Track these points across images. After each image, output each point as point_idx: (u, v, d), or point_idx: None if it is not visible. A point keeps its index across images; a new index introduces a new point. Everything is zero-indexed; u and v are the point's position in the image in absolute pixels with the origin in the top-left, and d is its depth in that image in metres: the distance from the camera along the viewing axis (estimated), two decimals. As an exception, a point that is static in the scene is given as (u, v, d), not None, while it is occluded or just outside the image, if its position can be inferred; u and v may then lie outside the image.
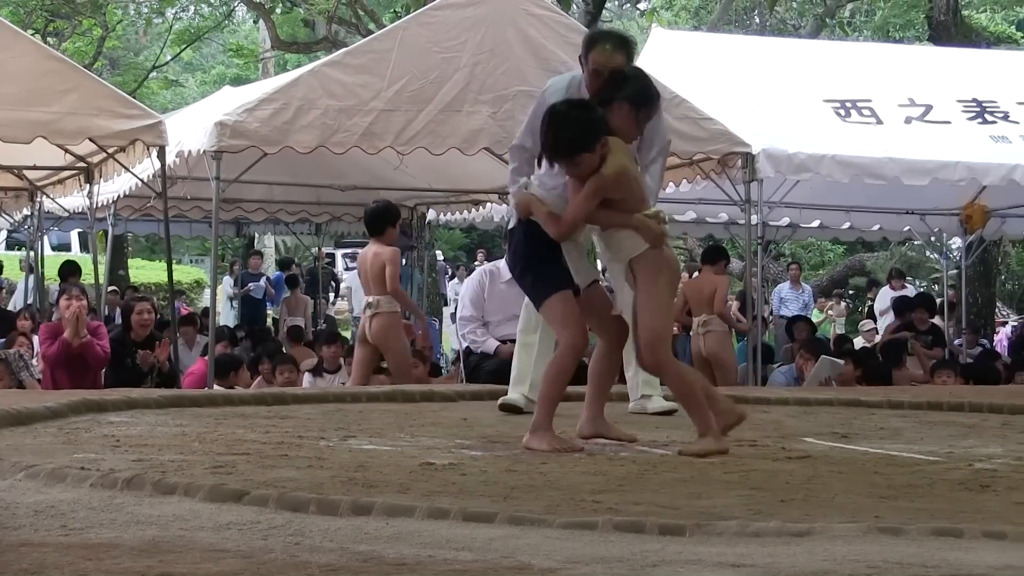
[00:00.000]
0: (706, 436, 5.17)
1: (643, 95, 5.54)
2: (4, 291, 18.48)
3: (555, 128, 5.29)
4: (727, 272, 12.44)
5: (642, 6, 28.87)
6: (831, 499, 4.12)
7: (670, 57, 13.24)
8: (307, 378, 10.50)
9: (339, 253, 32.62)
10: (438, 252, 32.14)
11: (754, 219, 11.53)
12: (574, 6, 20.06)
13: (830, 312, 22.36)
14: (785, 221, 15.55)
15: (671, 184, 11.87)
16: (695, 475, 4.58)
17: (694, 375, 5.59)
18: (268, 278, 21.83)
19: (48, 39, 25.48)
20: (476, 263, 28.40)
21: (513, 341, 8.70)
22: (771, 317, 18.29)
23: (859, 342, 16.79)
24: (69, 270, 14.44)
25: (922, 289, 23.09)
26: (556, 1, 18.32)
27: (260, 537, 3.17)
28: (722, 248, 13.17)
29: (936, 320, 14.60)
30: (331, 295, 26.06)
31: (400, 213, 10.83)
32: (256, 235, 27.06)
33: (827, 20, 27.37)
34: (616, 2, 34.21)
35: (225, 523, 3.31)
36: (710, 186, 11.60)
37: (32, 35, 16.81)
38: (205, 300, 24.66)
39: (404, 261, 17.92)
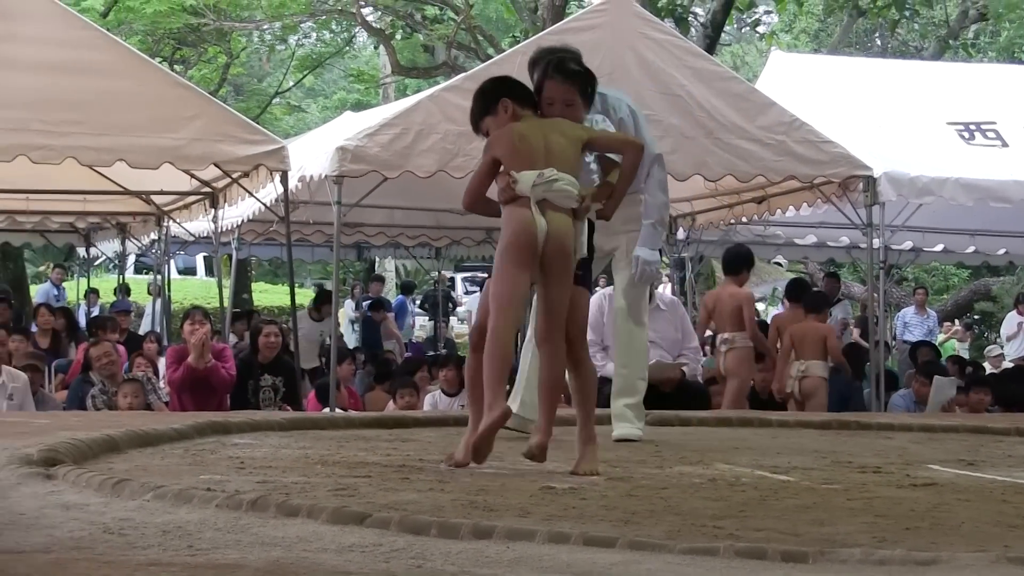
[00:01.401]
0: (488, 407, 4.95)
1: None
2: (133, 314, 18.81)
3: (473, 99, 5.41)
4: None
5: (761, 29, 28.66)
6: (958, 527, 4.05)
7: (790, 80, 13.17)
8: (429, 399, 10.56)
9: (459, 277, 32.79)
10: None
11: (876, 243, 11.40)
12: (692, 30, 20.01)
13: (955, 337, 22.03)
14: (908, 245, 15.35)
15: (791, 208, 11.80)
16: (817, 502, 4.53)
17: (502, 360, 5.05)
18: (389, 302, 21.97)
19: (175, 67, 25.98)
20: (597, 288, 28.31)
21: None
22: (894, 342, 18.05)
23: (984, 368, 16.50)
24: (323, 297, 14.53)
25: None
26: (675, 25, 18.31)
27: (382, 560, 3.19)
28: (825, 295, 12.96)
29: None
30: (451, 319, 26.18)
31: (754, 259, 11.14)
32: (377, 259, 27.29)
33: (950, 42, 26.99)
34: (735, 25, 34.07)
35: (348, 545, 3.33)
36: (831, 210, 11.49)
37: (160, 63, 17.10)
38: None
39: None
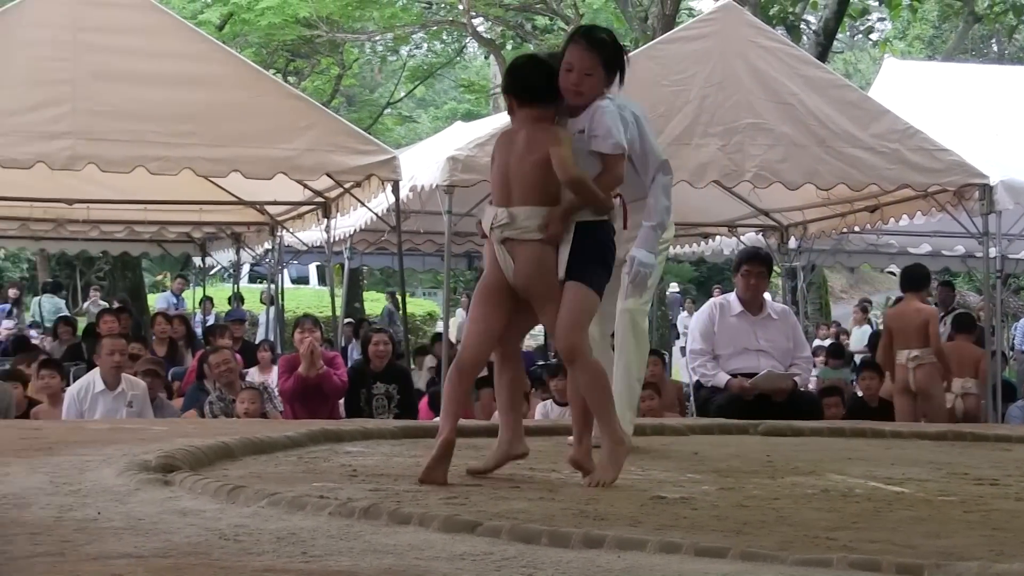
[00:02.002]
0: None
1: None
2: (247, 323, 19.04)
3: None
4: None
5: (874, 36, 28.41)
6: (1078, 541, 3.98)
7: (904, 87, 13.04)
8: (540, 408, 10.56)
9: (568, 286, 32.84)
10: (673, 284, 32.02)
11: (992, 252, 11.23)
12: (804, 38, 19.86)
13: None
14: (1026, 254, 15.11)
15: (905, 216, 11.66)
16: (933, 514, 4.47)
17: (459, 391, 5.09)
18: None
19: (288, 78, 26.33)
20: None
21: (745, 375, 8.68)
22: (1012, 353, 17.76)
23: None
24: None
25: None
26: (786, 33, 18.19)
27: (493, 568, 3.20)
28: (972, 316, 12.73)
29: None
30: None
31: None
32: (487, 268, 27.40)
33: (1070, 46, 26.55)
34: (847, 32, 33.76)
35: (459, 554, 3.34)
36: (946, 218, 11.34)
37: (274, 75, 17.34)
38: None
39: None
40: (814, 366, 12.19)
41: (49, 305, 21.98)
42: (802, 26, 20.82)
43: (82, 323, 17.71)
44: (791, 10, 19.98)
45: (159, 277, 33.13)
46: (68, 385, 9.92)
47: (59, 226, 15.43)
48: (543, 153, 4.89)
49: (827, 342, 18.29)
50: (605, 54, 5.23)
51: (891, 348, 10.16)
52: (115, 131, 9.43)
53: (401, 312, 12.09)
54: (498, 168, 5.01)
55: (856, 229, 13.04)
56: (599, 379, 5.03)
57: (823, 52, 18.63)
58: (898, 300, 11.50)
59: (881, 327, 18.26)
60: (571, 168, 4.90)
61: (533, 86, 5.04)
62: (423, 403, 11.22)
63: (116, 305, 18.22)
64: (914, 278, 10.39)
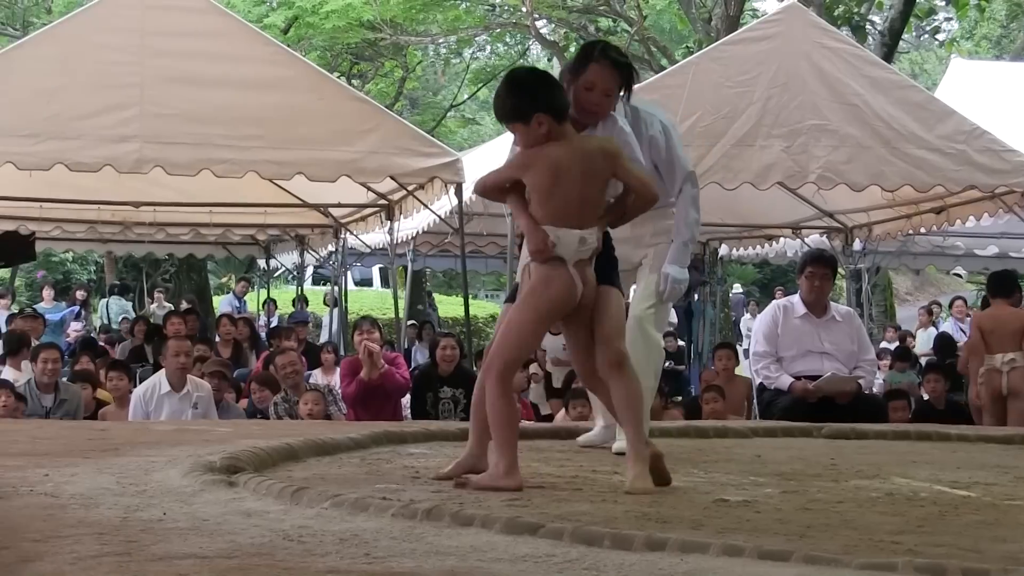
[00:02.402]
0: (500, 471, 4.68)
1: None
2: (311, 325, 19.13)
3: (501, 89, 4.93)
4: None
5: (941, 36, 28.18)
6: None
7: (970, 87, 12.94)
8: (601, 412, 10.55)
9: (631, 288, 32.82)
10: (736, 285, 31.90)
11: (1062, 254, 11.13)
12: (870, 38, 19.74)
13: None
14: (1096, 256, 14.95)
15: (972, 218, 11.56)
16: (999, 518, 4.43)
17: (512, 415, 4.84)
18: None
19: (352, 81, 26.46)
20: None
21: (809, 377, 8.63)
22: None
23: None
24: None
25: None
26: (851, 33, 18.08)
27: (556, 570, 3.20)
28: None
29: None
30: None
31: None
32: (549, 270, 27.40)
33: None
34: (913, 32, 33.52)
35: (521, 555, 3.35)
36: (1013, 220, 11.24)
37: (338, 77, 17.45)
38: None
39: (696, 296, 17.91)
40: (879, 369, 12.08)
41: (116, 307, 22.20)
42: (867, 26, 20.69)
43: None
44: (856, 10, 19.86)
45: (224, 279, 33.38)
46: (136, 386, 10.02)
47: (126, 228, 15.61)
48: (605, 171, 4.81)
49: (893, 345, 18.14)
50: (625, 76, 5.28)
51: (980, 352, 10.06)
52: (181, 134, 9.52)
53: (439, 315, 12.09)
54: (574, 189, 4.77)
55: (922, 231, 12.95)
56: (640, 389, 4.94)
57: (889, 53, 18.50)
58: (959, 301, 11.42)
59: (945, 328, 18.13)
60: (655, 187, 4.95)
61: (563, 100, 4.88)
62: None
63: (184, 307, 18.39)
64: (1004, 283, 10.35)
